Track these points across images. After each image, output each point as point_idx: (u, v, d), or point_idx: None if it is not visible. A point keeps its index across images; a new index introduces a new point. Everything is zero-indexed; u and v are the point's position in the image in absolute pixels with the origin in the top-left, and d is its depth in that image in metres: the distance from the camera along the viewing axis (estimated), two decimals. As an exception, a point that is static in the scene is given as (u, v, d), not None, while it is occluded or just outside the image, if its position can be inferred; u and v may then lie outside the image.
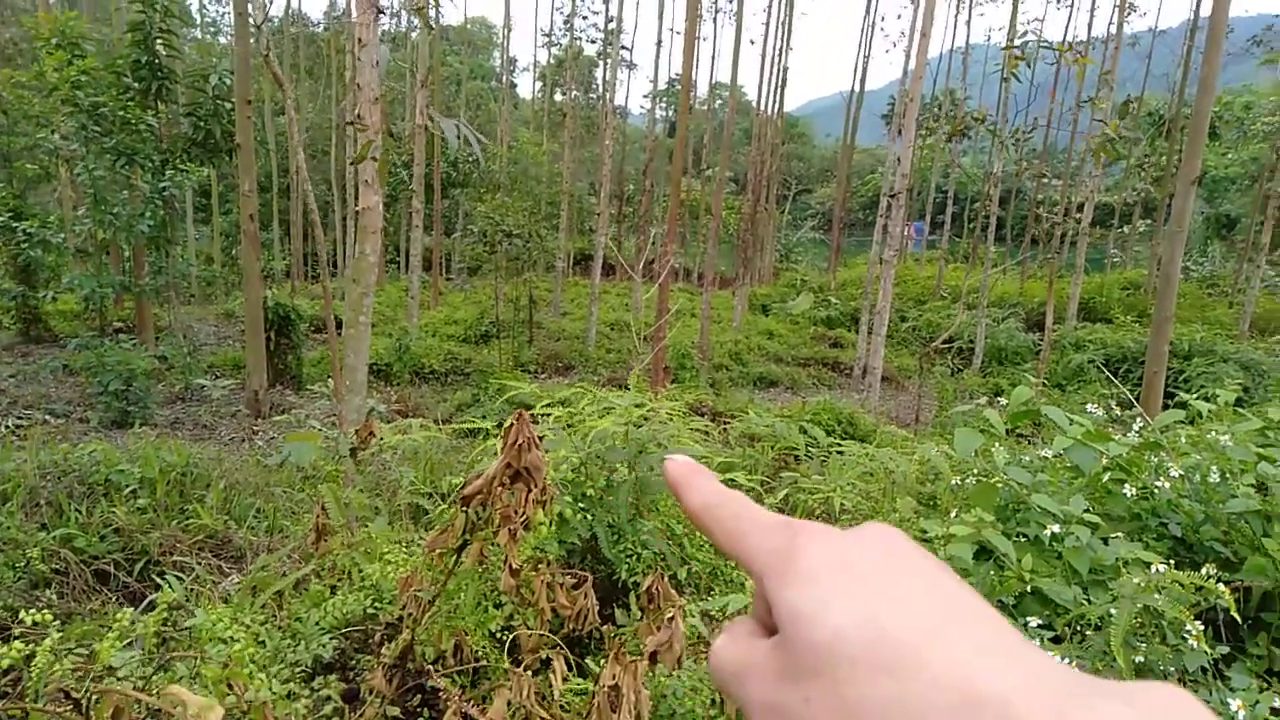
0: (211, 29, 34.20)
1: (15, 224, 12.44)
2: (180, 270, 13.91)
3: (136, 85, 11.60)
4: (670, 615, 1.73)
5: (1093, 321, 20.01)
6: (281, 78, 5.22)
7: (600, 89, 38.31)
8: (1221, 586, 2.85)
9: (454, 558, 2.14)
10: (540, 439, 1.94)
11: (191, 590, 3.53)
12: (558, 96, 38.68)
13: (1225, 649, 3.07)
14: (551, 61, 34.57)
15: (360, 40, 6.63)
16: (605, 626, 2.82)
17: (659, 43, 22.91)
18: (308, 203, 5.66)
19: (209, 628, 1.96)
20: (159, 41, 11.70)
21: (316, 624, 2.54)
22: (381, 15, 6.79)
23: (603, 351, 16.92)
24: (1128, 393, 6.19)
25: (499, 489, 1.99)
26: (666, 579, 2.76)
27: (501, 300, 16.32)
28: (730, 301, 22.80)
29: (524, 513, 2.04)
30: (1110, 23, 19.29)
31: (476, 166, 20.62)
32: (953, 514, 3.71)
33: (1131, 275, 25.79)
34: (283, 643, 2.31)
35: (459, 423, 8.64)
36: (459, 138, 3.55)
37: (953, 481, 4.25)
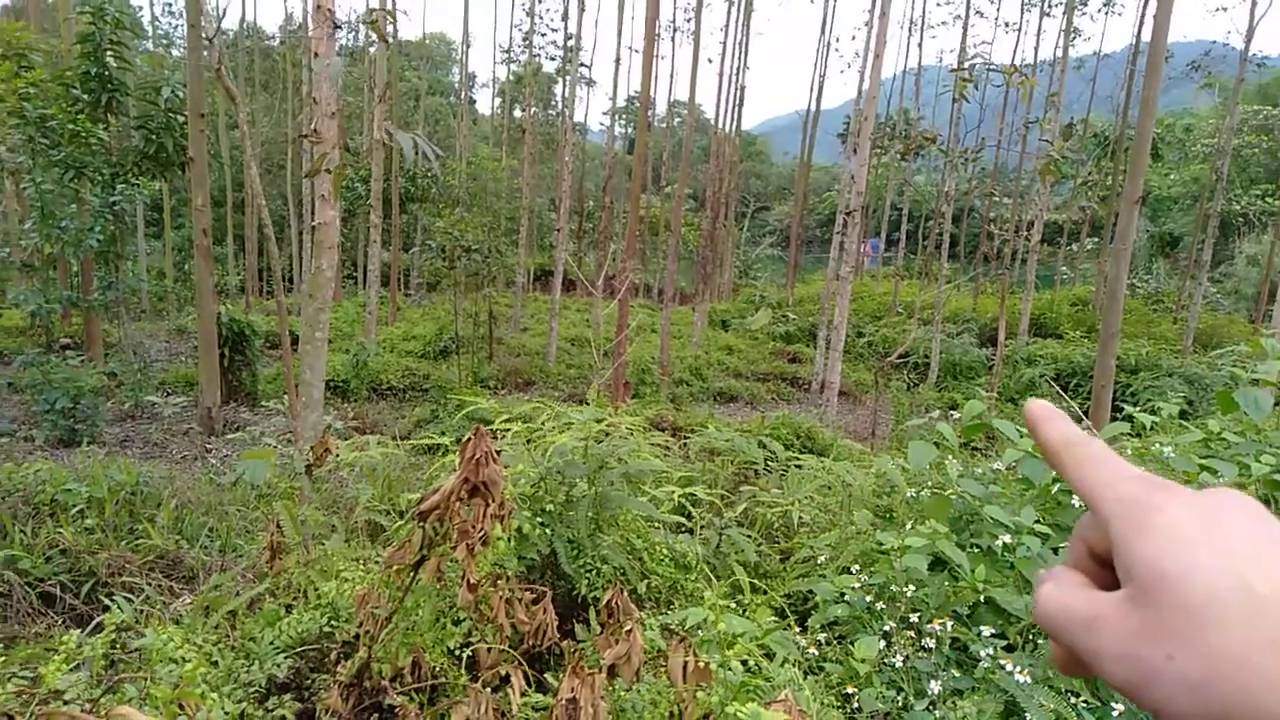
0: (164, 41, 33.66)
1: (-43, 238, 12.10)
2: (130, 285, 13.61)
3: (86, 97, 11.39)
4: (628, 629, 1.74)
5: (1043, 337, 20.46)
6: (234, 91, 5.16)
7: (559, 105, 38.42)
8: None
9: (411, 574, 2.13)
10: (499, 454, 1.94)
11: (141, 611, 3.45)
12: (517, 113, 38.69)
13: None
14: (510, 78, 34.59)
15: (316, 54, 6.59)
16: (565, 641, 2.82)
17: (617, 60, 23.04)
18: (261, 217, 5.59)
19: (160, 648, 1.93)
20: (109, 53, 11.50)
21: (271, 643, 2.50)
22: (338, 30, 6.76)
23: (563, 367, 16.88)
24: (1076, 407, 6.33)
25: (457, 504, 1.99)
26: (626, 593, 2.77)
27: (461, 316, 16.22)
28: (690, 317, 22.90)
29: (482, 528, 2.04)
30: (1056, 47, 19.89)
31: (435, 181, 20.54)
32: (908, 526, 3.77)
33: (1080, 292, 26.43)
34: (236, 663, 2.27)
35: (418, 439, 8.55)
36: (416, 151, 3.54)
37: (908, 494, 4.32)
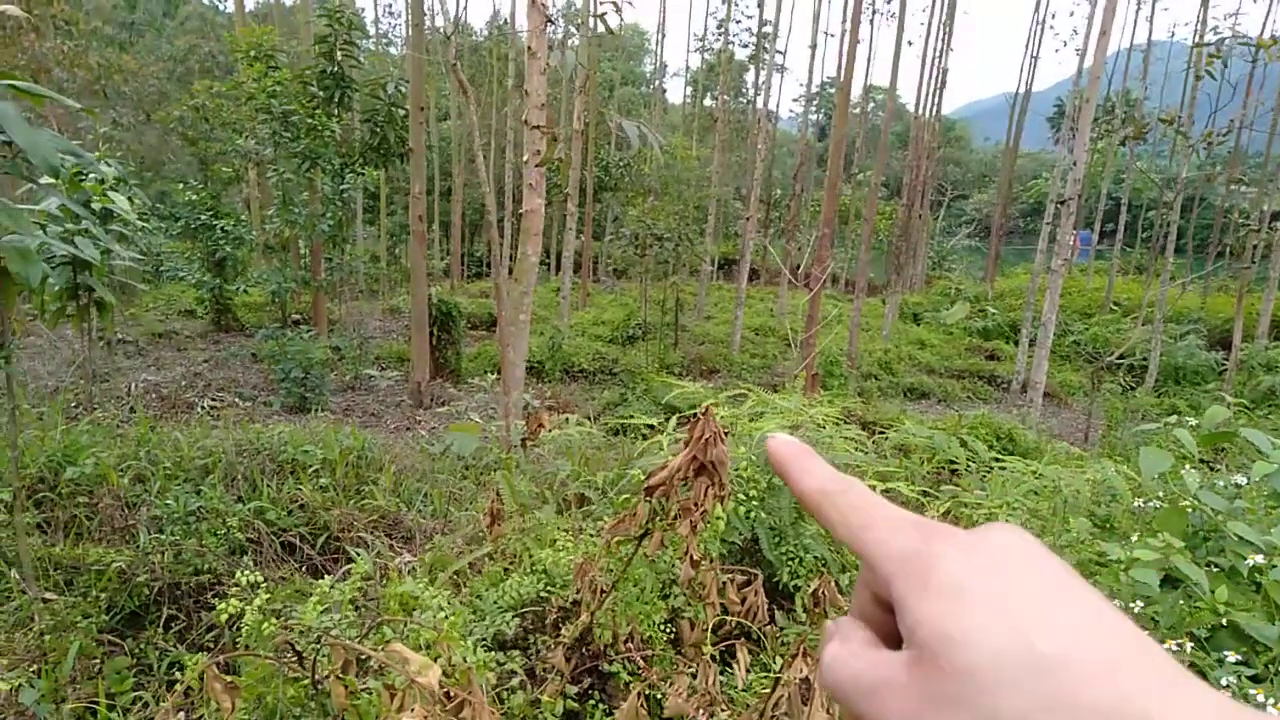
0: (384, 40, 36.30)
1: (214, 223, 13.63)
2: (351, 267, 14.86)
3: (321, 94, 12.50)
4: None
5: (1287, 341, 18.32)
6: (466, 85, 5.50)
7: (750, 93, 38.20)
8: None
9: (635, 546, 2.22)
10: (726, 433, 1.98)
11: (375, 565, 3.78)
12: (708, 101, 38.83)
13: None
14: (703, 66, 34.72)
15: (531, 48, 6.90)
16: (768, 626, 2.84)
17: (813, 46, 22.56)
18: (485, 203, 5.94)
19: (414, 595, 2.11)
20: (341, 53, 12.55)
21: (495, 603, 2.68)
22: (550, 24, 7.05)
23: (747, 356, 16.85)
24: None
25: (679, 481, 2.05)
26: (833, 584, 2.75)
27: (648, 302, 16.54)
28: (880, 309, 22.23)
29: (704, 506, 2.09)
30: (1318, 14, 17.62)
31: (628, 171, 20.97)
32: (1133, 538, 3.51)
33: (1334, 291, 23.41)
34: (469, 618, 2.45)
35: (610, 420, 8.83)
36: (641, 139, 3.65)
37: (1133, 504, 4.01)
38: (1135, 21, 31.35)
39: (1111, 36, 9.70)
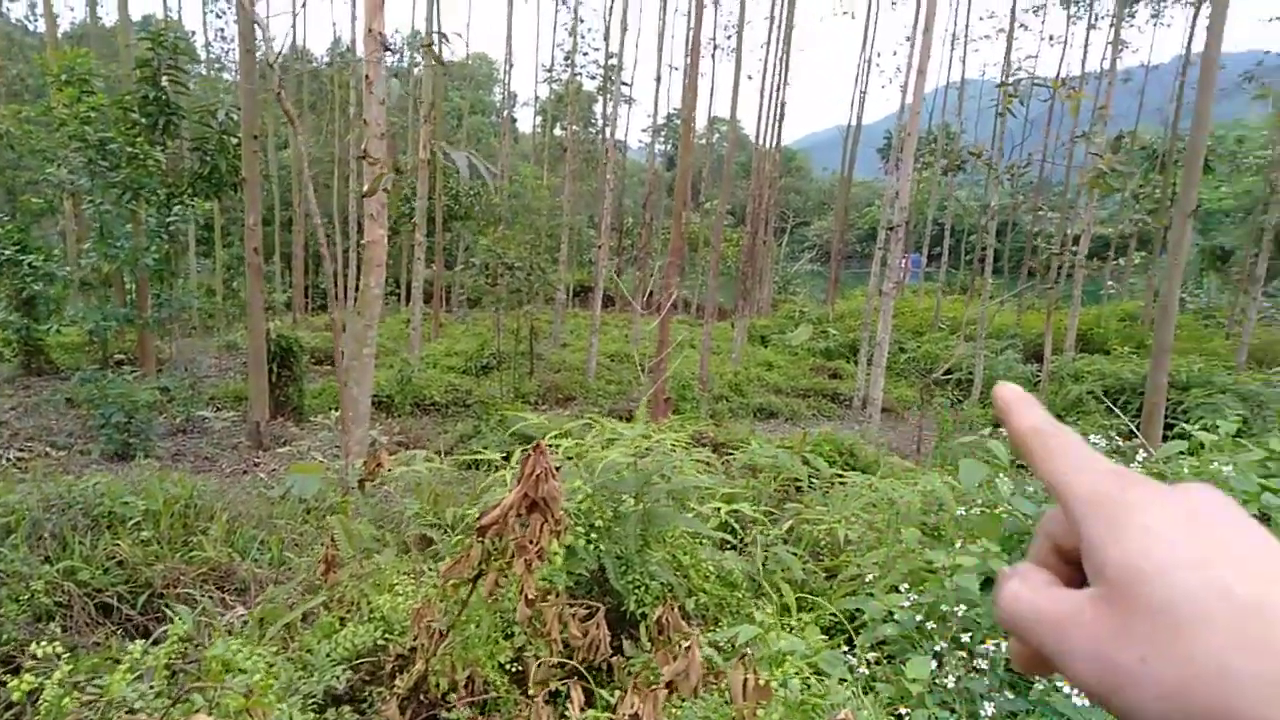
0: (216, 65, 34.59)
1: (21, 257, 12.51)
2: (183, 303, 13.97)
3: (144, 121, 11.74)
4: (688, 645, 1.75)
5: (1090, 353, 20.06)
6: (292, 114, 5.30)
7: (600, 123, 38.73)
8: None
9: (469, 588, 2.16)
10: (557, 470, 1.96)
11: (199, 623, 3.52)
12: (558, 131, 39.06)
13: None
14: (551, 97, 34.95)
15: (368, 77, 6.74)
16: (614, 657, 2.83)
17: (658, 79, 23.20)
18: (316, 235, 5.71)
19: (228, 658, 1.97)
20: (166, 78, 11.85)
21: (327, 655, 2.54)
22: (388, 52, 6.92)
23: (603, 383, 16.94)
24: (1127, 422, 6.22)
25: (515, 519, 2.02)
26: (676, 610, 2.78)
27: (502, 332, 16.37)
28: (730, 333, 22.86)
29: (539, 543, 2.06)
30: (1103, 59, 19.66)
31: (478, 200, 20.81)
32: (958, 544, 3.73)
33: (1128, 307, 25.91)
34: (295, 674, 2.32)
35: (461, 454, 8.63)
36: (471, 170, 3.61)
37: (957, 512, 4.27)
38: (950, 61, 33.96)
39: (930, 75, 10.44)
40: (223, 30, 34.96)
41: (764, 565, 4.27)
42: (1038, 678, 2.84)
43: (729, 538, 4.66)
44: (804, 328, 18.78)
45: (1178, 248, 7.95)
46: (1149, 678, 0.32)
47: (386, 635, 2.76)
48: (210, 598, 4.50)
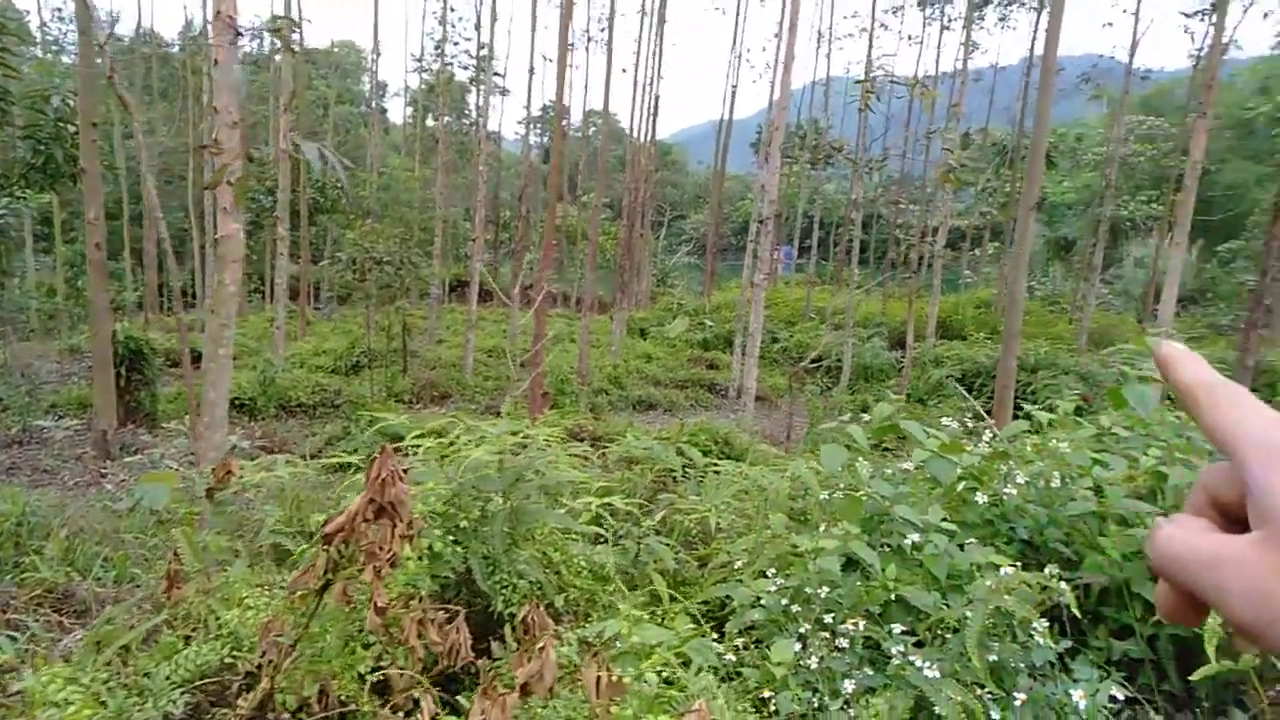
0: (53, 48, 32.07)
1: None
2: (18, 303, 12.90)
3: (-34, 106, 10.75)
4: (541, 645, 1.72)
5: (950, 339, 21.14)
6: (127, 100, 4.95)
7: (474, 115, 38.06)
8: (1064, 585, 3.06)
9: (316, 599, 2.06)
10: (405, 472, 1.89)
11: (27, 650, 3.25)
12: (430, 122, 38.15)
13: (1069, 643, 3.28)
14: (423, 87, 34.08)
15: (217, 62, 6.37)
16: (481, 660, 2.77)
17: (531, 70, 22.93)
18: (160, 231, 5.37)
19: (40, 690, 1.82)
20: (-9, 59, 10.87)
21: (167, 678, 2.38)
22: (240, 37, 6.55)
23: (480, 379, 16.68)
24: (978, 406, 6.56)
25: (363, 525, 1.94)
26: (542, 608, 2.74)
27: (373, 329, 15.88)
28: (609, 326, 22.93)
29: (390, 549, 1.99)
30: (956, 60, 20.72)
31: (344, 192, 20.11)
32: (822, 528, 3.84)
33: (983, 294, 27.43)
34: (127, 701, 2.16)
35: (329, 457, 8.31)
36: (323, 162, 3.45)
37: (821, 496, 4.39)
38: (817, 58, 35.09)
39: (797, 71, 10.72)
40: (60, 10, 32.48)
41: (637, 557, 4.28)
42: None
43: (602, 531, 4.66)
44: (680, 320, 19.01)
45: (1022, 239, 8.46)
46: None
47: (235, 652, 2.61)
48: (45, 622, 4.17)
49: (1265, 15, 20.13)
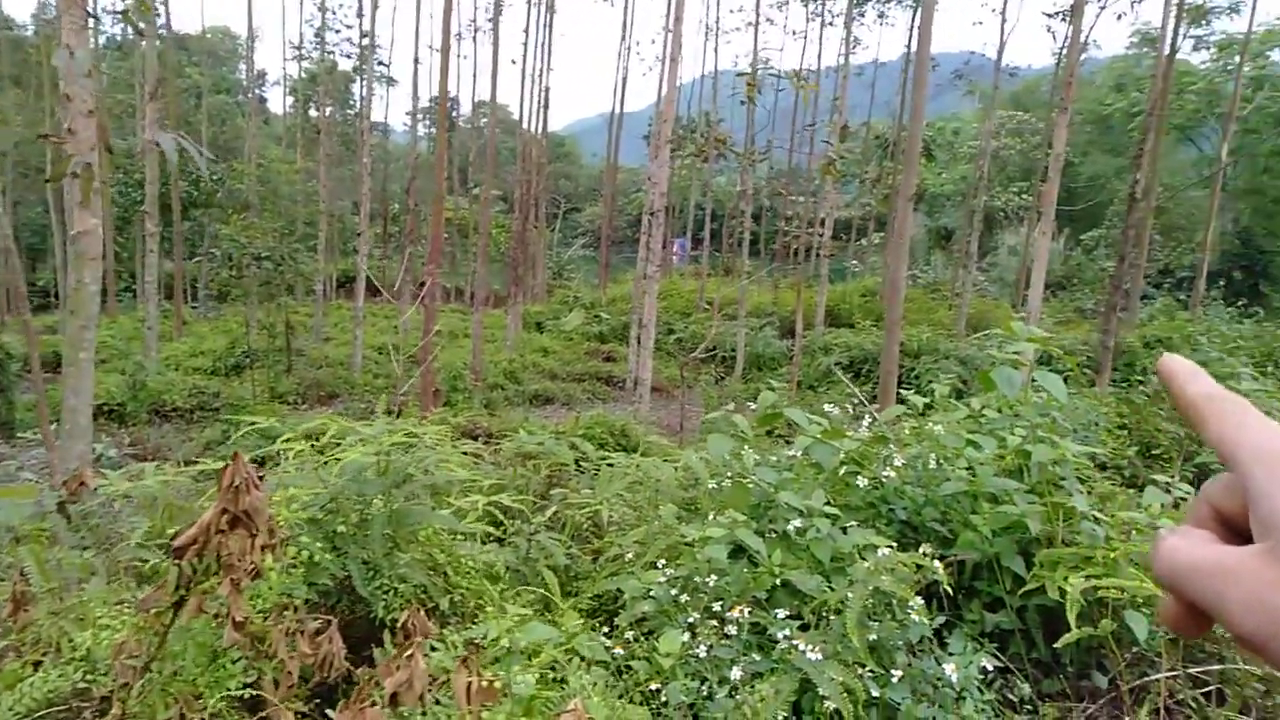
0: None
1: None
2: None
3: None
4: (409, 653, 1.66)
5: (838, 327, 21.77)
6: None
7: (358, 105, 36.88)
8: (937, 563, 3.17)
9: (171, 616, 1.94)
10: (262, 479, 1.80)
11: None
12: (313, 112, 36.81)
13: (944, 618, 3.41)
14: (304, 76, 32.84)
15: (68, 47, 5.94)
16: (361, 670, 2.67)
17: (417, 60, 22.37)
18: (2, 226, 4.99)
19: None
20: None
21: (10, 709, 2.21)
22: (94, 20, 6.13)
23: (370, 377, 16.23)
24: (857, 392, 6.76)
25: (218, 537, 1.83)
26: (424, 612, 2.66)
27: (255, 328, 15.23)
28: (504, 320, 22.68)
29: (251, 560, 1.89)
30: (839, 55, 21.29)
31: (220, 185, 19.17)
32: (711, 516, 3.87)
33: (869, 283, 28.34)
34: (-39, 738, 1.99)
35: (212, 460, 7.92)
36: (180, 154, 3.25)
37: (710, 485, 4.43)
38: (705, 52, 35.46)
39: (689, 64, 10.79)
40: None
41: (528, 554, 4.23)
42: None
43: (492, 530, 4.58)
44: (576, 312, 18.99)
45: (901, 230, 8.75)
46: None
47: (89, 676, 2.44)
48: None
49: (1119, 17, 21.45)
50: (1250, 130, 27.79)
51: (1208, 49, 27.90)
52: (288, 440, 3.42)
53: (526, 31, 22.61)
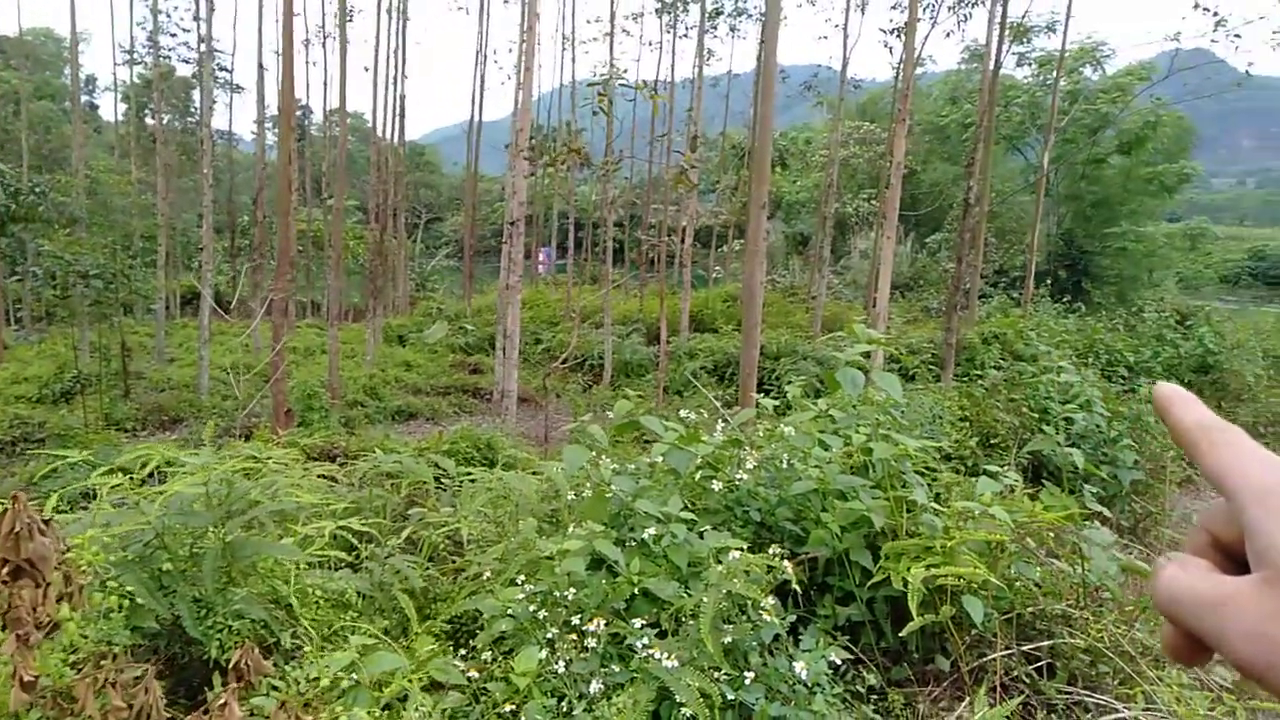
0: None
1: None
2: None
3: None
4: (222, 701, 1.54)
5: (702, 332, 22.16)
6: None
7: (199, 113, 34.92)
8: (786, 563, 3.24)
9: (-52, 681, 1.74)
10: (47, 522, 1.63)
11: None
12: (150, 120, 34.59)
13: (800, 615, 3.49)
14: (138, 81, 30.83)
15: None
16: (191, 717, 2.49)
17: (262, 66, 21.39)
18: None
19: None
20: None
21: None
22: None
23: (218, 399, 15.32)
24: (711, 397, 6.89)
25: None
26: (262, 649, 2.51)
27: (86, 351, 14.12)
28: (364, 335, 21.94)
29: (45, 613, 1.72)
30: (694, 66, 21.75)
31: (42, 198, 17.69)
32: (570, 529, 3.83)
33: (731, 289, 28.99)
34: None
35: (35, 496, 7.25)
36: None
37: (569, 497, 4.40)
38: (563, 62, 35.46)
39: (550, 72, 10.73)
40: None
41: (381, 579, 4.07)
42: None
43: (344, 555, 4.39)
44: (439, 325, 18.56)
45: (755, 236, 8.99)
46: None
47: None
48: None
49: (948, 35, 22.91)
50: (1068, 140, 30.15)
51: (1030, 65, 30.09)
52: (106, 473, 3.16)
53: (377, 38, 22.00)
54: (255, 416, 12.83)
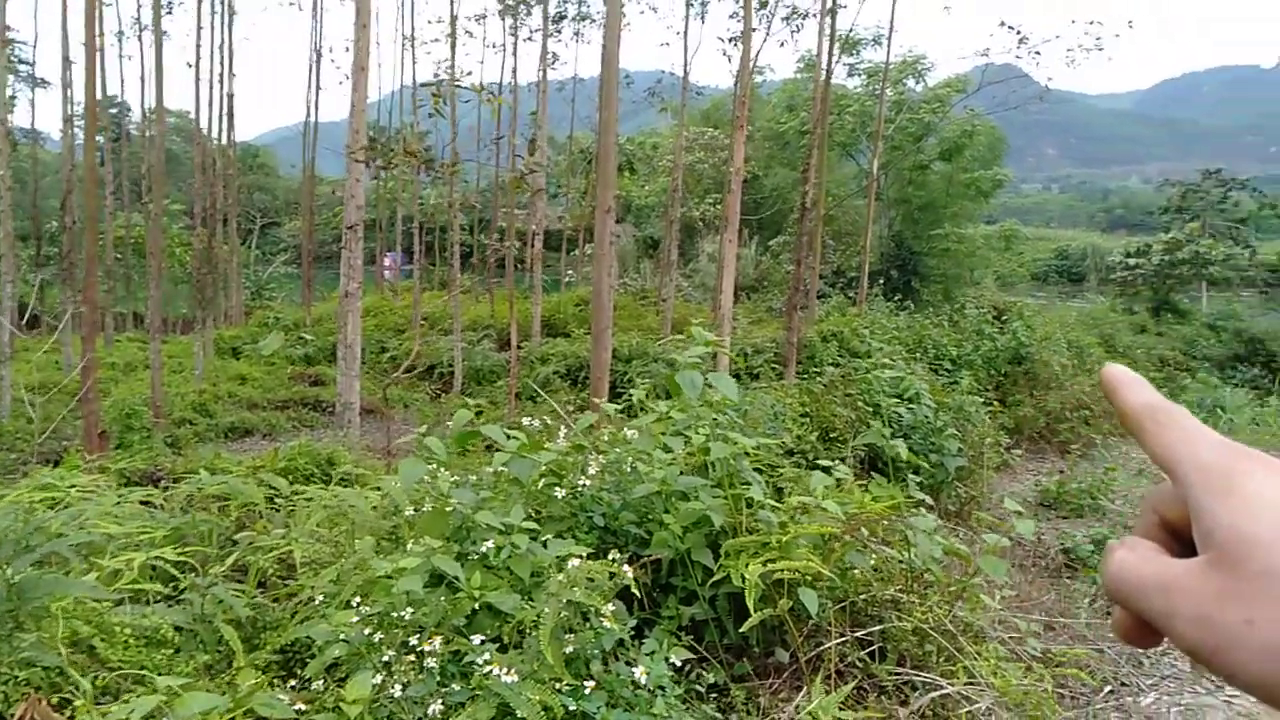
0: None
1: None
2: None
3: None
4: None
5: (555, 336, 22.07)
6: None
7: (-3, 108, 31.76)
8: (626, 567, 3.23)
9: None
10: None
11: None
12: (-67, 115, 31.14)
13: (642, 617, 3.50)
14: (-82, 71, 27.71)
15: None
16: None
17: (68, 59, 19.73)
18: None
19: None
20: None
21: None
22: None
23: (23, 422, 13.94)
24: (556, 405, 6.86)
25: None
26: (57, 698, 2.28)
27: None
28: (192, 348, 20.58)
29: None
30: (538, 70, 21.64)
31: None
32: (409, 545, 3.69)
33: (583, 293, 29.04)
34: None
35: None
36: None
37: (408, 512, 4.24)
38: (404, 62, 34.50)
39: (391, 73, 10.36)
40: None
41: (203, 611, 3.80)
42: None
43: (161, 589, 4.07)
44: (276, 335, 17.59)
45: (602, 240, 9.03)
46: (1254, 639, 0.34)
47: None
48: None
49: (781, 44, 23.80)
50: (895, 147, 31.97)
51: (860, 75, 31.74)
52: None
53: (199, 32, 20.69)
54: (66, 440, 11.77)
